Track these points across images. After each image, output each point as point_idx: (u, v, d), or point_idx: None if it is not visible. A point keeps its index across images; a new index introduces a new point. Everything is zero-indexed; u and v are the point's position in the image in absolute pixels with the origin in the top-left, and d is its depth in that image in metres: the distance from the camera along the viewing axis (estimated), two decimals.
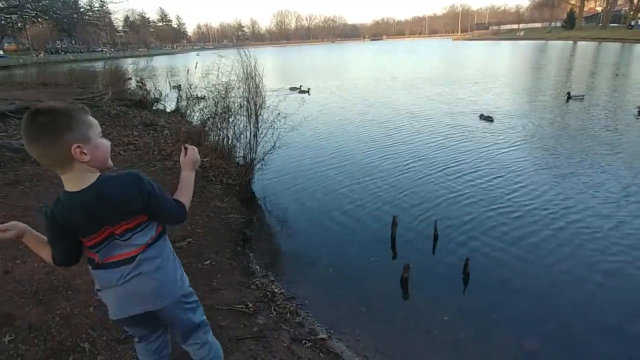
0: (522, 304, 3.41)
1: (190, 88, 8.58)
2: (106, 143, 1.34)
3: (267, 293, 3.30)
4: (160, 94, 11.99)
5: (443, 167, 6.72)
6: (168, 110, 10.77)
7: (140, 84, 11.63)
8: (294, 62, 42.26)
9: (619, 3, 60.55)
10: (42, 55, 58.13)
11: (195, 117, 7.33)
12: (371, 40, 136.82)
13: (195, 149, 1.62)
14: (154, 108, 10.88)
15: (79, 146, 1.23)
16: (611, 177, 5.97)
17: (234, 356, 2.43)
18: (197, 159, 1.62)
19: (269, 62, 39.11)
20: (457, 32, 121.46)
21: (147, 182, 1.36)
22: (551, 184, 5.84)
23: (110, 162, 1.36)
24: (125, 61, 16.24)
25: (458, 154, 7.48)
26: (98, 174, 1.32)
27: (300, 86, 16.38)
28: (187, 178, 1.59)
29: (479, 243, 4.32)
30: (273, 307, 3.09)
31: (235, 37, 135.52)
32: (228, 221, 4.38)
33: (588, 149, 7.39)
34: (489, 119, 9.99)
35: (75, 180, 1.28)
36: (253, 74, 5.71)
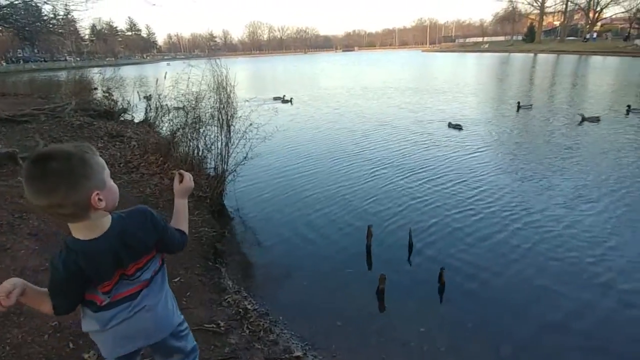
0: (497, 310, 3.43)
1: (160, 98, 8.34)
2: (115, 185, 1.28)
3: (240, 310, 3.18)
4: (129, 104, 11.61)
5: (415, 175, 6.80)
6: (136, 120, 10.43)
7: (107, 94, 11.21)
8: (267, 72, 42.22)
9: (575, 18, 64.30)
10: (3, 64, 55.41)
11: (164, 128, 7.11)
12: (343, 51, 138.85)
13: (191, 176, 1.59)
14: (121, 119, 10.51)
15: (97, 193, 1.15)
16: (562, 180, 6.33)
17: None
18: (192, 187, 1.58)
19: (242, 72, 39.06)
20: (426, 44, 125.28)
21: (157, 216, 1.35)
22: (516, 188, 6.05)
23: (116, 203, 1.29)
24: (90, 71, 15.66)
25: (429, 161, 7.61)
26: (110, 217, 1.26)
27: (284, 96, 16.57)
28: (183, 205, 1.57)
29: (454, 250, 4.36)
30: (246, 325, 2.97)
31: (207, 48, 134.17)
32: (198, 235, 4.22)
33: (540, 154, 7.86)
34: (457, 127, 10.26)
35: (90, 228, 1.21)
36: (224, 83, 5.60)
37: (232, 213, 5.60)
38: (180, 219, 1.53)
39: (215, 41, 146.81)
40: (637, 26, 49.79)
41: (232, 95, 5.63)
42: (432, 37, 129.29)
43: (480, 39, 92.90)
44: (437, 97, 16.84)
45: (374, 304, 3.54)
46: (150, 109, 9.18)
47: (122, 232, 1.25)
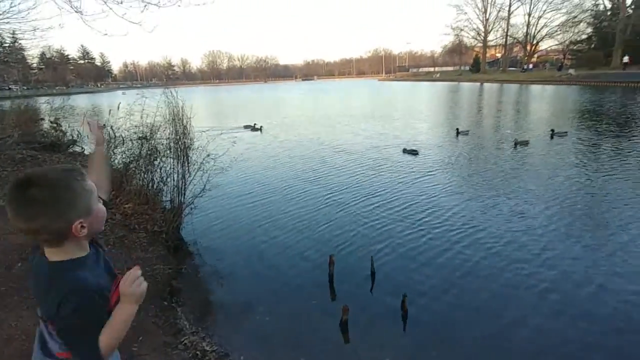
0: (460, 335, 3.46)
1: (113, 129, 8.02)
2: (102, 207, 1.19)
3: (197, 353, 3.01)
4: (79, 135, 11.06)
5: (374, 200, 6.92)
6: (87, 152, 9.93)
7: (55, 125, 10.61)
8: (228, 101, 42.09)
9: (514, 50, 70.16)
10: None
11: (116, 160, 6.80)
12: (303, 80, 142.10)
13: (139, 278, 1.19)
14: (70, 150, 9.96)
15: (81, 222, 1.08)
16: (504, 199, 6.75)
17: None
18: (143, 293, 1.19)
19: (202, 102, 38.66)
20: (382, 73, 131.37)
21: (75, 308, 1.06)
22: (464, 208, 6.32)
23: (102, 226, 1.22)
24: (38, 100, 14.85)
25: (385, 185, 7.81)
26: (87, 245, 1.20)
27: (255, 124, 16.68)
28: (123, 312, 1.15)
29: (414, 273, 4.42)
30: None
31: (165, 77, 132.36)
32: (153, 273, 4.00)
33: (484, 175, 8.40)
34: (413, 152, 10.67)
35: (58, 254, 1.14)
36: (180, 114, 5.50)
37: (190, 247, 5.38)
38: (108, 326, 1.12)
39: (174, 70, 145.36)
40: (570, 57, 55.10)
41: (188, 126, 5.53)
42: (388, 66, 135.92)
43: (432, 69, 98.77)
44: (393, 123, 17.57)
45: (338, 336, 3.47)
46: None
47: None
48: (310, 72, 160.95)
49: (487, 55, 72.07)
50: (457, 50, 76.78)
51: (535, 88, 37.97)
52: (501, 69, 64.34)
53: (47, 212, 1.04)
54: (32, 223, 1.04)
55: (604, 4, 46.82)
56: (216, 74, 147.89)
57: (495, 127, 15.77)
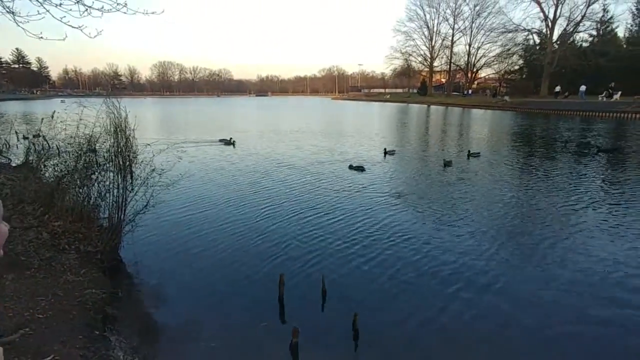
0: (411, 354, 3.46)
1: (46, 139, 7.36)
2: (3, 227, 1.03)
3: None
4: (7, 146, 10.06)
5: (323, 217, 6.89)
6: (14, 164, 9.03)
7: None
8: (179, 114, 40.66)
9: (457, 76, 75.26)
10: None
11: (48, 173, 6.22)
12: (256, 95, 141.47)
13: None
14: None
15: None
16: (441, 212, 7.07)
17: None
18: None
19: (151, 114, 37.02)
20: (335, 92, 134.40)
21: None
22: (406, 222, 6.54)
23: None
24: None
25: (332, 201, 7.88)
26: None
27: (231, 138, 16.60)
28: None
29: (363, 292, 4.41)
30: None
31: (110, 86, 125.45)
32: (83, 299, 3.62)
33: (424, 191, 8.81)
34: (359, 168, 10.95)
35: None
36: (123, 126, 5.16)
37: (129, 268, 4.98)
38: None
39: (120, 79, 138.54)
40: (505, 85, 60.04)
41: (131, 138, 5.20)
42: (341, 86, 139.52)
43: (382, 90, 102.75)
44: (343, 140, 18.06)
45: None
46: (33, 151, 8.03)
47: None
48: (265, 88, 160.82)
49: (433, 79, 76.63)
50: (406, 73, 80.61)
51: (476, 112, 40.76)
52: (445, 93, 68.48)
53: None
54: None
55: (533, 39, 51.84)
56: (166, 86, 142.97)
57: (430, 146, 16.95)
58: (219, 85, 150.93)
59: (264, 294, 4.34)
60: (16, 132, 11.31)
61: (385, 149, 13.94)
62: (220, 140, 16.79)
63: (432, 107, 52.60)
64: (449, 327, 3.78)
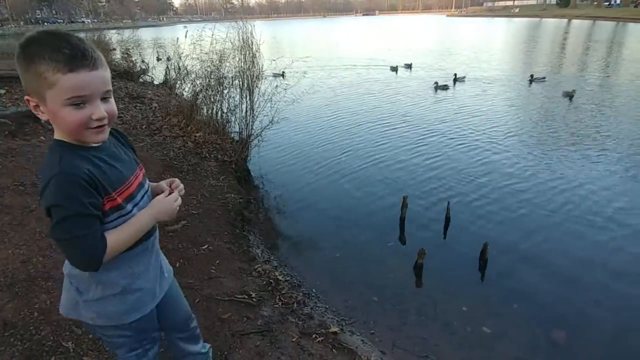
0: (546, 291, 3.17)
1: (181, 58, 8.03)
2: (75, 114, 0.94)
3: (271, 281, 3.02)
4: (148, 66, 11.32)
5: (449, 143, 6.44)
6: (156, 82, 10.18)
7: (126, 55, 10.91)
8: (284, 36, 40.91)
9: None
10: (21, 24, 55.37)
11: (186, 89, 6.85)
12: (363, 15, 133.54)
13: (179, 198, 1.22)
14: (141, 80, 10.26)
15: (28, 99, 0.97)
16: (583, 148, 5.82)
17: (238, 354, 2.16)
18: (173, 211, 1.19)
19: (276, 35, 37.86)
20: (452, 8, 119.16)
21: (56, 192, 0.94)
22: (544, 158, 5.64)
23: (89, 137, 1.00)
24: (108, 32, 15.33)
25: (461, 129, 7.21)
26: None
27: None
28: (143, 221, 1.12)
29: (493, 225, 4.09)
30: (278, 297, 2.81)
31: (223, 10, 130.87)
32: (225, 201, 4.05)
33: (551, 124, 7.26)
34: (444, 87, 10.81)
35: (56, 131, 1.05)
36: (250, 42, 5.25)
37: (257, 179, 5.41)
38: (123, 228, 1.07)
39: (232, 3, 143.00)
40: None
41: (257, 55, 5.29)
42: (459, 0, 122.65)
43: (510, 3, 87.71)
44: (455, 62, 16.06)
45: (411, 280, 3.35)
46: (170, 70, 8.88)
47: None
48: (372, 6, 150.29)
49: None
50: None
51: (634, 27, 32.41)
52: (595, 3, 55.46)
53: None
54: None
55: None
56: (274, 8, 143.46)
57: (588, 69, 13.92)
58: (325, 5, 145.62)
59: (385, 215, 4.35)
60: (157, 53, 12.70)
61: (531, 75, 11.92)
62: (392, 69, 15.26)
63: (574, 21, 43.40)
64: (589, 280, 3.32)
